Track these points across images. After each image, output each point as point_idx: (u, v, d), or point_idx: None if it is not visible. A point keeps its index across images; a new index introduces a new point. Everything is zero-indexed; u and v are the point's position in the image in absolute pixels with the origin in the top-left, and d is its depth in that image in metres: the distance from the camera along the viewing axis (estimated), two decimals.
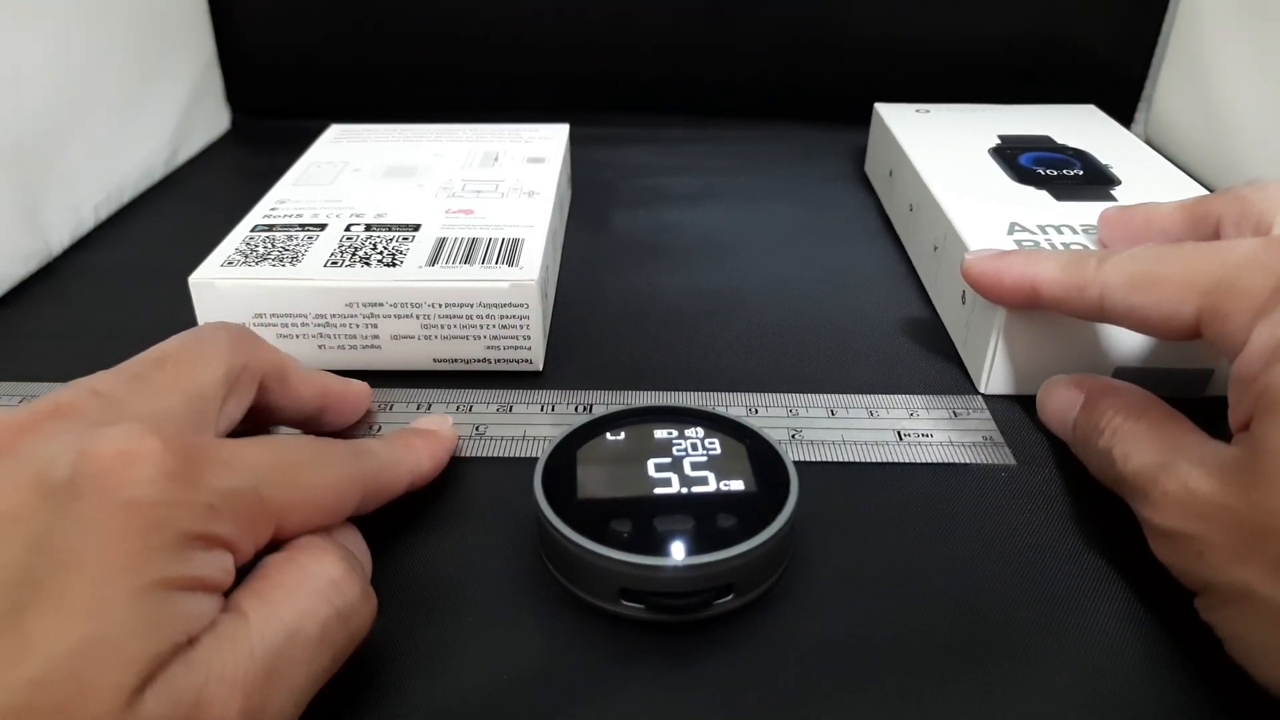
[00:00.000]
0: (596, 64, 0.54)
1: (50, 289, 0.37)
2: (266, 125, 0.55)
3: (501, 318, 0.29)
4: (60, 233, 0.39)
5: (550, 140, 0.41)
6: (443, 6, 0.52)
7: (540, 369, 0.31)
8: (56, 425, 0.18)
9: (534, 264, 0.30)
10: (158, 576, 0.16)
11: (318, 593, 0.18)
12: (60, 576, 0.15)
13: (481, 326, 0.30)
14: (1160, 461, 0.22)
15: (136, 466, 0.16)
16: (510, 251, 0.30)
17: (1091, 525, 0.25)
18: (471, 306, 0.29)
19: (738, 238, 0.41)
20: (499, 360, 0.30)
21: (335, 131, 0.42)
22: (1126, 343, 0.29)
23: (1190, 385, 0.29)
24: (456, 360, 0.30)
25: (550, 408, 0.29)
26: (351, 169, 0.38)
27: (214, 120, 0.54)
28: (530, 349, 0.30)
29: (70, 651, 0.15)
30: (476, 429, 0.28)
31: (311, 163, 0.39)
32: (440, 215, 0.33)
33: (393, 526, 0.24)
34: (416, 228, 0.32)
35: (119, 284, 0.37)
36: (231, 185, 0.48)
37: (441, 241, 0.31)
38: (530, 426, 0.28)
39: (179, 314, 0.29)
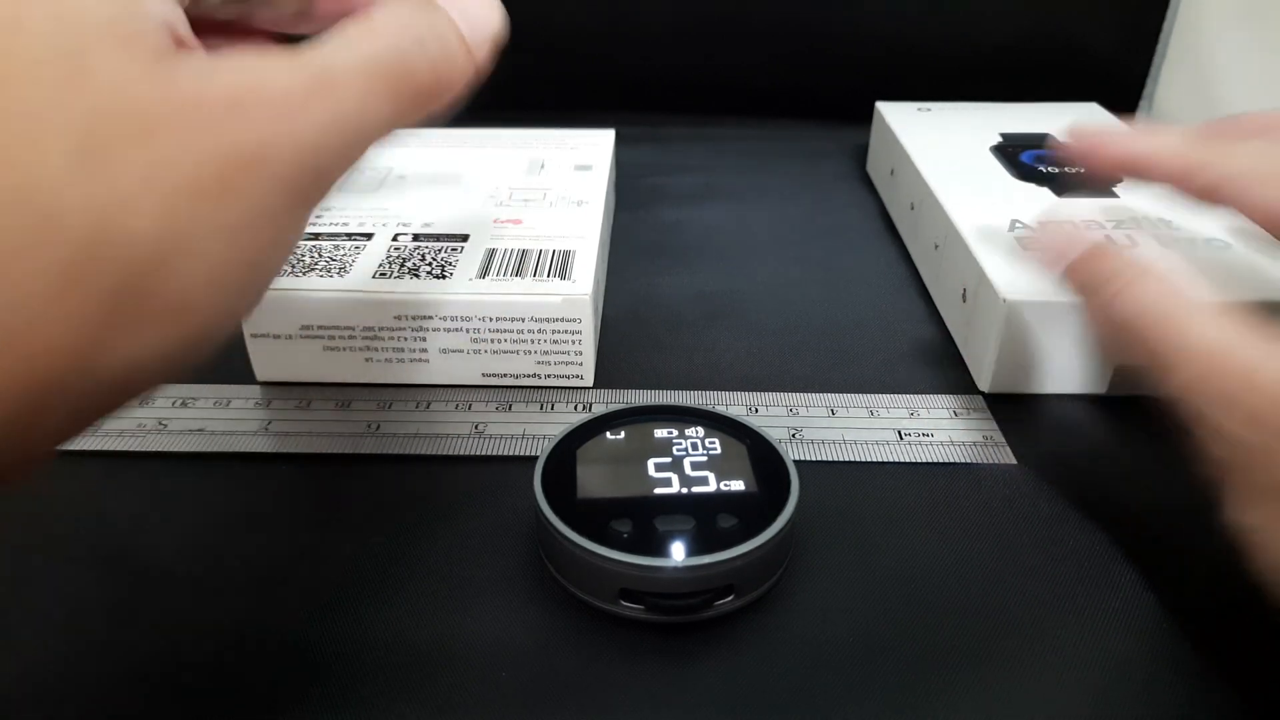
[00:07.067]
0: (596, 63, 0.54)
1: None
2: None
3: (554, 333, 0.29)
4: None
5: (596, 146, 0.40)
6: None
7: (591, 384, 0.30)
8: None
9: (586, 277, 0.29)
10: None
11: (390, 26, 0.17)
12: None
13: (533, 341, 0.29)
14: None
15: None
16: (562, 264, 0.30)
17: (1091, 524, 0.25)
18: (523, 321, 0.29)
19: (738, 237, 0.41)
20: (549, 376, 0.30)
21: None
22: None
23: None
24: (506, 375, 0.30)
25: (549, 406, 0.29)
26: (396, 175, 0.37)
27: None
28: (581, 364, 0.30)
29: None
30: (476, 427, 0.28)
31: (353, 167, 0.38)
32: (489, 225, 0.33)
33: (391, 526, 0.24)
34: (465, 238, 0.32)
35: None
36: None
37: (491, 253, 0.31)
38: (529, 425, 0.28)
39: None
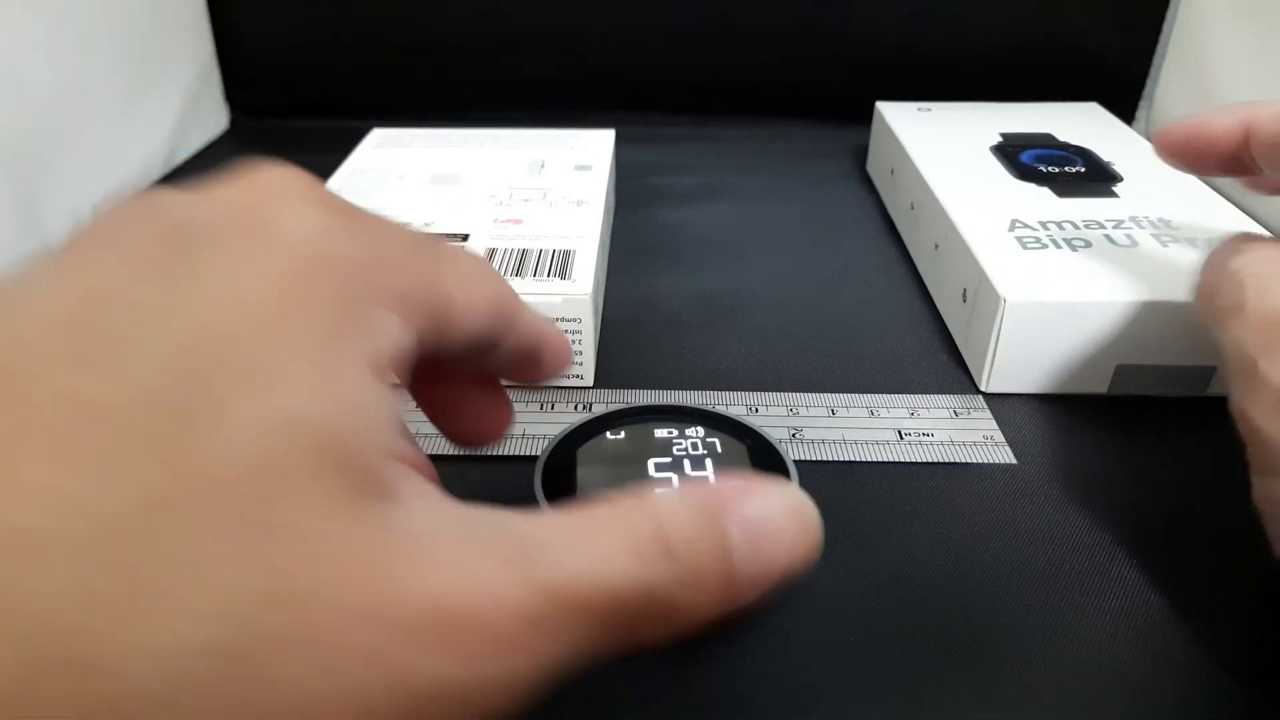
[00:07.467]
0: (596, 63, 0.54)
1: None
2: (265, 125, 0.55)
3: None
4: (60, 233, 0.39)
5: (596, 146, 0.40)
6: (442, 7, 0.52)
7: (591, 384, 0.30)
8: None
9: (586, 277, 0.29)
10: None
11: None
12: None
13: None
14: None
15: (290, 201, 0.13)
16: (562, 264, 0.30)
17: (1091, 524, 0.25)
18: None
19: (738, 237, 0.41)
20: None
21: (377, 136, 0.41)
22: (1128, 341, 0.28)
23: (1192, 383, 0.29)
24: None
25: (549, 406, 0.29)
26: (396, 176, 0.37)
27: (213, 120, 0.54)
28: (582, 364, 0.30)
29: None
30: None
31: (355, 169, 0.38)
32: (489, 225, 0.33)
33: None
34: (465, 238, 0.32)
35: None
36: None
37: (491, 252, 0.31)
38: (529, 425, 0.28)
39: None
